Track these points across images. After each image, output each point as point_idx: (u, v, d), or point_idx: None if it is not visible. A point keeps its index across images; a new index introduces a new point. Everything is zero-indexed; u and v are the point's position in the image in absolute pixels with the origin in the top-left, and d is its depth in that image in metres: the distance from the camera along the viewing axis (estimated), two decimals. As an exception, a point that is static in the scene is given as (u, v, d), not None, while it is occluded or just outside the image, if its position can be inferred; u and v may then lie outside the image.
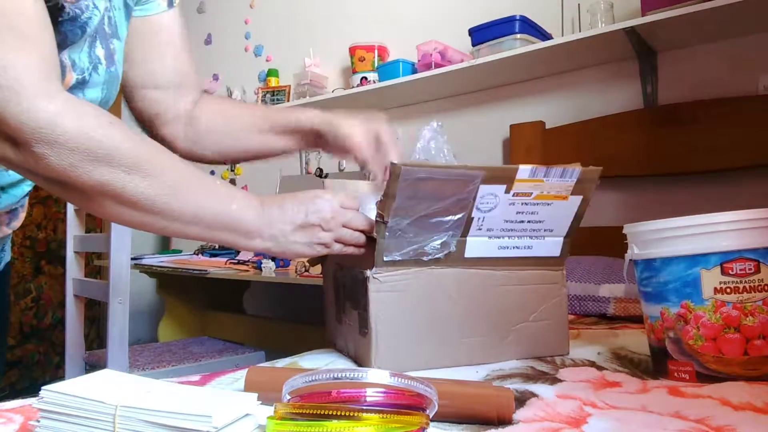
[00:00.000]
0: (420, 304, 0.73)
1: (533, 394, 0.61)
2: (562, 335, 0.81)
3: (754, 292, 0.63)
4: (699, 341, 0.65)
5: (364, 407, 0.41)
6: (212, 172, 2.87)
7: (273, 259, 2.04)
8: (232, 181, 2.99)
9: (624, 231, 0.74)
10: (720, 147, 1.52)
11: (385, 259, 0.71)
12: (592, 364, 0.75)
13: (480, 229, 0.74)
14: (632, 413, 0.55)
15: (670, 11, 1.48)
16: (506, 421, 0.52)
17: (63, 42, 0.62)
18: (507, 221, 0.75)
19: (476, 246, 0.75)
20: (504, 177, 0.71)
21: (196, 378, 0.72)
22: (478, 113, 2.15)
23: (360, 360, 0.76)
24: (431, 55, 1.99)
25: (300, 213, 0.69)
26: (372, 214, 0.72)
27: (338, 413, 0.40)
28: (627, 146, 1.68)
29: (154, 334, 2.66)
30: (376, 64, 2.26)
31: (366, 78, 2.25)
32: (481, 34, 1.85)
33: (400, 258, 0.72)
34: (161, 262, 2.36)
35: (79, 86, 0.67)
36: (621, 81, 1.80)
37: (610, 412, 0.55)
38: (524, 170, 0.71)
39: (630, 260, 0.74)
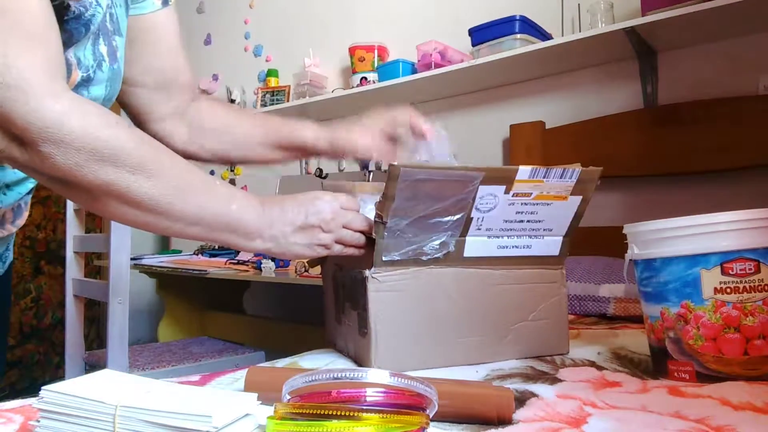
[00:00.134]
0: (419, 303, 0.73)
1: (533, 394, 0.61)
2: (561, 334, 0.81)
3: (754, 292, 0.63)
4: (699, 341, 0.65)
5: (364, 407, 0.41)
6: (212, 172, 2.87)
7: (273, 259, 2.04)
8: (232, 181, 2.99)
9: (624, 231, 0.74)
10: (720, 147, 1.52)
11: (384, 259, 0.71)
12: (592, 364, 0.75)
13: (479, 229, 0.74)
14: (632, 413, 0.55)
15: (670, 11, 1.48)
16: (506, 421, 0.52)
17: (68, 40, 0.63)
18: (506, 221, 0.75)
19: (475, 246, 0.75)
20: (504, 178, 0.71)
21: (196, 378, 0.72)
22: (478, 113, 2.15)
23: (360, 360, 0.76)
24: (431, 55, 1.99)
25: (300, 214, 0.69)
26: (372, 215, 0.72)
27: (338, 413, 0.40)
28: (627, 146, 1.68)
29: (154, 334, 2.66)
30: (375, 64, 2.26)
31: (366, 78, 2.25)
32: (481, 34, 1.85)
33: (399, 258, 0.72)
34: (161, 262, 2.36)
35: (84, 84, 0.67)
36: (621, 81, 1.80)
37: (610, 412, 0.55)
38: (524, 171, 0.71)
39: (630, 260, 0.74)
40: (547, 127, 1.89)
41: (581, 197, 0.76)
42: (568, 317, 0.84)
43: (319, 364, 0.78)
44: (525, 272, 0.79)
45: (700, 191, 1.61)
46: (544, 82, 1.98)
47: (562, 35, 1.79)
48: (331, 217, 0.70)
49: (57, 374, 3.12)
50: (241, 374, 0.67)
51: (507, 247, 0.77)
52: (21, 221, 0.84)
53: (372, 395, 0.42)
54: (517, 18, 1.77)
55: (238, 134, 0.89)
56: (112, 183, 0.57)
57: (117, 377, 0.51)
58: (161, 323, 2.57)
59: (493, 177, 0.70)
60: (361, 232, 0.73)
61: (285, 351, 1.03)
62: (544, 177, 0.72)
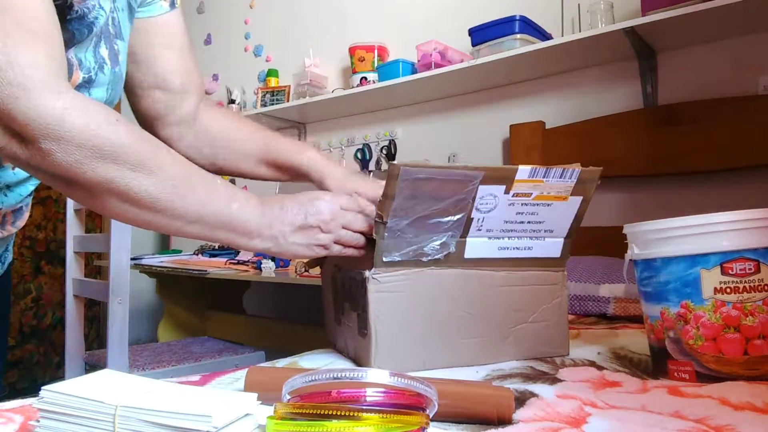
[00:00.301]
0: (419, 304, 0.73)
1: (533, 394, 0.61)
2: (562, 336, 0.81)
3: (754, 292, 0.63)
4: (699, 341, 0.65)
5: (364, 407, 0.41)
6: (212, 172, 2.87)
7: (273, 259, 2.05)
8: (232, 181, 2.99)
9: (624, 231, 0.74)
10: (720, 147, 1.52)
11: (384, 259, 0.71)
12: (592, 364, 0.75)
13: (480, 230, 0.74)
14: (632, 413, 0.55)
15: (670, 11, 1.48)
16: (506, 421, 0.52)
17: (70, 40, 0.63)
18: (507, 222, 0.75)
19: (476, 247, 0.75)
20: (503, 177, 0.71)
21: (196, 378, 0.72)
22: (478, 113, 2.15)
23: (360, 361, 0.76)
24: (431, 55, 1.99)
25: (300, 214, 0.70)
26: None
27: (338, 413, 0.40)
28: (627, 146, 1.68)
29: (153, 334, 2.66)
30: (375, 64, 2.26)
31: (366, 78, 2.25)
32: (481, 34, 1.85)
33: (399, 259, 0.72)
34: (161, 262, 2.36)
35: (86, 85, 0.67)
36: (621, 81, 1.80)
37: (610, 412, 0.55)
38: (524, 171, 0.71)
39: (630, 260, 0.74)
40: (547, 127, 1.89)
41: (582, 198, 0.76)
42: (568, 317, 0.84)
43: (319, 364, 0.78)
44: (526, 274, 0.79)
45: (701, 191, 1.61)
46: (544, 82, 1.98)
47: (562, 35, 1.79)
48: (331, 218, 0.70)
49: (57, 374, 3.12)
50: (241, 374, 0.67)
51: (508, 248, 0.77)
52: (21, 222, 0.84)
53: (372, 395, 0.42)
54: (517, 18, 1.77)
55: (239, 149, 0.90)
56: (112, 180, 0.57)
57: (117, 377, 0.51)
58: (161, 323, 2.57)
59: (492, 176, 0.70)
60: (361, 232, 0.73)
61: (285, 351, 1.03)
62: (543, 177, 0.72)
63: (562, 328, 0.81)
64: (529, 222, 0.76)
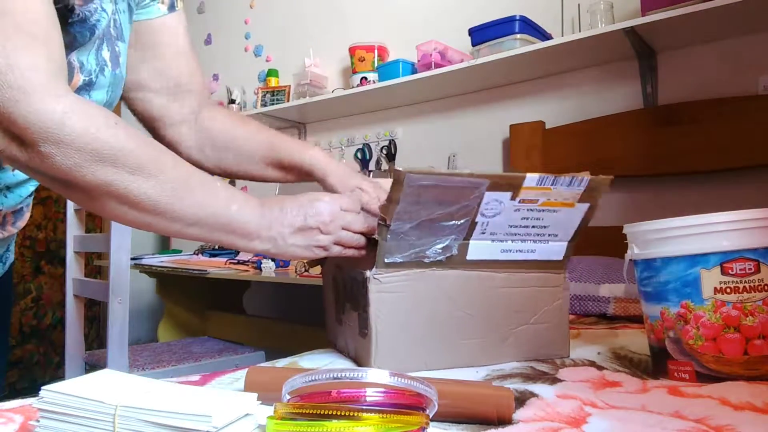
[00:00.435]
0: (420, 305, 0.73)
1: (533, 394, 0.61)
2: (562, 338, 0.81)
3: (754, 292, 0.63)
4: (699, 341, 0.65)
5: (364, 407, 0.41)
6: (212, 172, 2.87)
7: (273, 259, 2.04)
8: (232, 182, 2.99)
9: (624, 231, 0.74)
10: (720, 147, 1.52)
11: (386, 261, 0.71)
12: (592, 363, 0.75)
13: (483, 233, 0.73)
14: (632, 413, 0.55)
15: (670, 11, 1.48)
16: (506, 421, 0.52)
17: (71, 43, 0.62)
18: (511, 226, 0.74)
19: (478, 249, 0.75)
20: (510, 185, 0.70)
21: (196, 378, 0.72)
22: (478, 113, 2.15)
23: (360, 361, 0.76)
24: (431, 55, 1.99)
25: (299, 216, 0.69)
26: None
27: (338, 413, 0.40)
28: (627, 146, 1.68)
29: (153, 334, 2.66)
30: (376, 64, 2.26)
31: (366, 78, 2.25)
32: (481, 34, 1.85)
33: (401, 260, 0.71)
34: (161, 262, 2.36)
35: (86, 88, 0.67)
36: (621, 81, 1.80)
37: (610, 412, 0.55)
38: (531, 178, 0.70)
39: (630, 260, 0.74)
40: (547, 127, 1.89)
41: (589, 204, 0.75)
42: (569, 317, 0.84)
43: (319, 364, 0.78)
44: (527, 276, 0.78)
45: (701, 191, 1.61)
46: (544, 82, 1.98)
47: (562, 35, 1.79)
48: (330, 219, 0.70)
49: (57, 374, 3.12)
50: (241, 374, 0.67)
51: (510, 251, 0.76)
52: (22, 223, 0.84)
53: (372, 395, 0.42)
54: (517, 18, 1.77)
55: (244, 151, 0.89)
56: (111, 183, 0.57)
57: (117, 377, 0.51)
58: (161, 323, 2.57)
59: (499, 183, 0.69)
60: (361, 233, 0.73)
61: (285, 351, 1.03)
62: (552, 185, 0.71)
63: (563, 329, 0.81)
64: (533, 226, 0.75)
